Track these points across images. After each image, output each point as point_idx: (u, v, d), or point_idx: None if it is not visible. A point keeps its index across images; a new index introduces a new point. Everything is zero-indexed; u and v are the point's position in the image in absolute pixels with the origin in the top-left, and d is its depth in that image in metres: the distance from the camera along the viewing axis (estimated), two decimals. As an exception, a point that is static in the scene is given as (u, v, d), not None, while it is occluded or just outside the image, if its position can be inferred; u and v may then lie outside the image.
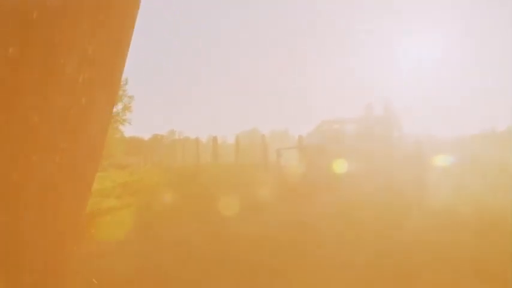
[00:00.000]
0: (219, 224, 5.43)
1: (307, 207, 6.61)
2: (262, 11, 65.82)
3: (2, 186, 1.50)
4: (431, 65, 51.30)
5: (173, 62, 63.97)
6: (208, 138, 27.63)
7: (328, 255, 3.81)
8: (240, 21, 66.26)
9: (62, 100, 1.58)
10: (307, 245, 4.25)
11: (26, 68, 1.50)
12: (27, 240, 1.57)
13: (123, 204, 7.52)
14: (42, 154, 1.56)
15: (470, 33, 58.93)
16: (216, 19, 64.95)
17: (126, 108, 27.16)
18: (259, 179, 10.88)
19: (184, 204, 7.25)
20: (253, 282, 3.27)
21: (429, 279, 3.18)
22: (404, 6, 55.95)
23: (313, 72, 70.26)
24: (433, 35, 49.45)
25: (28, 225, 1.56)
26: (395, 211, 5.79)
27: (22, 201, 1.54)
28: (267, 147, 15.65)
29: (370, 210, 5.90)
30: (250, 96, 72.88)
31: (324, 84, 70.06)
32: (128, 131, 36.28)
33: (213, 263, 3.71)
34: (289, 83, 68.95)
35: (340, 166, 9.48)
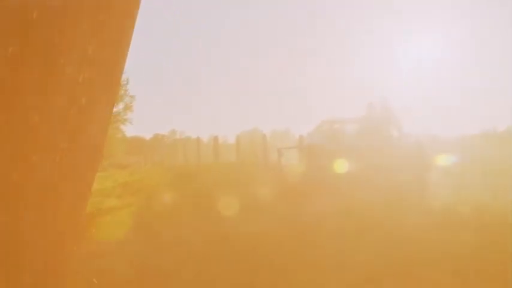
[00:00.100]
0: (220, 223, 5.43)
1: (308, 206, 6.60)
2: (262, 11, 65.76)
3: (2, 186, 1.50)
4: (431, 65, 51.26)
5: (174, 62, 63.93)
6: (209, 138, 27.60)
7: (329, 254, 3.81)
8: (240, 21, 66.15)
9: (62, 100, 1.58)
10: (308, 244, 4.25)
11: (26, 68, 1.50)
12: (27, 240, 1.57)
13: (124, 204, 7.52)
14: (42, 154, 1.56)
15: (470, 33, 58.91)
16: (216, 19, 64.86)
17: (128, 107, 27.14)
18: (260, 179, 10.87)
19: (185, 204, 7.24)
20: (253, 282, 3.28)
21: (429, 279, 3.18)
22: (404, 6, 55.75)
23: (313, 72, 70.16)
24: (433, 35, 49.26)
25: (28, 225, 1.56)
26: (395, 211, 5.79)
27: (22, 201, 1.54)
28: (267, 146, 15.67)
29: (370, 210, 5.90)
30: (251, 96, 72.80)
31: (324, 84, 69.89)
32: (129, 130, 36.37)
33: (213, 263, 3.71)
34: (289, 83, 68.83)
35: (340, 166, 9.48)
